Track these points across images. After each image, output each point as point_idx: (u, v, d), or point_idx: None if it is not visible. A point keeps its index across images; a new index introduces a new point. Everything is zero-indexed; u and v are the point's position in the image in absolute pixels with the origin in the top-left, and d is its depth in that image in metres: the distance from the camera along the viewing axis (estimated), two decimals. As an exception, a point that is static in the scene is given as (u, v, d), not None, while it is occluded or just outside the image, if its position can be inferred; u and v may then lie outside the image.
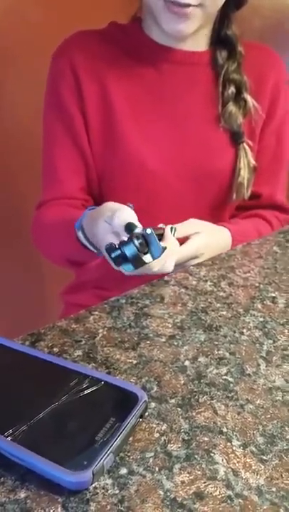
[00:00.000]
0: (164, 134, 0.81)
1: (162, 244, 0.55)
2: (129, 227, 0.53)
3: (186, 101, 0.81)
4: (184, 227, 0.73)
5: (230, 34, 0.82)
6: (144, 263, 0.52)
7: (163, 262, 0.60)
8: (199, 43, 0.82)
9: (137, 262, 0.52)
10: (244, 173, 0.84)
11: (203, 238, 0.74)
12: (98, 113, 0.79)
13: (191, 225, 0.75)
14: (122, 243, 0.52)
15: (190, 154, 0.82)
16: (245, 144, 0.83)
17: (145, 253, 0.52)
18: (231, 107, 0.81)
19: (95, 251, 0.70)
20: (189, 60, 0.81)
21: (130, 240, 0.52)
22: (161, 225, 0.66)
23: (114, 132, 0.79)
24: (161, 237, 0.63)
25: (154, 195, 0.82)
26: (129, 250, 0.51)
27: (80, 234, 0.69)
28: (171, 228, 0.64)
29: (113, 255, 0.52)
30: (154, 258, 0.53)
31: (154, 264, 0.58)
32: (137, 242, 0.51)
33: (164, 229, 0.64)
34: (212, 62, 0.83)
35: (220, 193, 0.87)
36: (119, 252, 0.52)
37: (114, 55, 0.80)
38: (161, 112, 0.81)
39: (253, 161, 0.85)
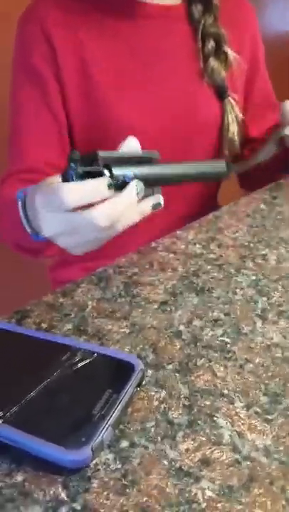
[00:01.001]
0: (147, 91, 0.77)
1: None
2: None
3: (166, 55, 0.78)
4: None
5: None
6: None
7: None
8: None
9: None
10: (233, 128, 0.83)
11: None
12: (75, 74, 0.74)
13: None
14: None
15: (176, 110, 0.79)
16: (230, 98, 0.82)
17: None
18: (213, 62, 0.80)
19: (29, 230, 0.53)
20: (165, 13, 0.78)
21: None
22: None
23: (95, 93, 0.74)
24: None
25: None
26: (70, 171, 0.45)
27: (19, 204, 0.54)
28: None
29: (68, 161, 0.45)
30: None
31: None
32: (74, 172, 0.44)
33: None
34: (188, 16, 0.80)
35: (209, 149, 0.85)
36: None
37: (87, 12, 0.75)
38: (142, 68, 0.77)
39: (240, 115, 0.83)
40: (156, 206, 0.50)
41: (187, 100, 0.79)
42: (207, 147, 0.84)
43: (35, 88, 0.75)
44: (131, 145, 0.51)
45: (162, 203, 0.51)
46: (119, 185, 0.46)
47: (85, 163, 0.45)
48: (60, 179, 0.46)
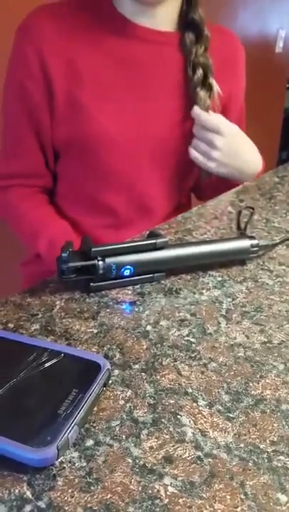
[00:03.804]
0: (133, 111, 0.80)
1: None
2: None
3: (152, 77, 0.81)
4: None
5: (197, 17, 0.82)
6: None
7: None
8: (167, 24, 0.82)
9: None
10: None
11: (228, 124, 0.80)
12: (64, 86, 0.77)
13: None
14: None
15: (159, 134, 0.82)
16: None
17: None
18: (201, 92, 0.82)
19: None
20: (159, 38, 0.81)
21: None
22: None
23: (79, 101, 0.78)
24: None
25: (118, 171, 0.82)
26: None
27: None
28: None
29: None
30: None
31: None
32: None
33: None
34: (180, 44, 0.83)
35: (183, 172, 0.88)
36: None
37: (82, 28, 0.78)
38: (130, 89, 0.80)
39: None
40: None
41: (172, 126, 0.82)
42: (181, 167, 0.86)
43: (24, 105, 0.79)
44: None
45: None
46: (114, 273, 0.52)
47: (80, 257, 0.51)
48: None
